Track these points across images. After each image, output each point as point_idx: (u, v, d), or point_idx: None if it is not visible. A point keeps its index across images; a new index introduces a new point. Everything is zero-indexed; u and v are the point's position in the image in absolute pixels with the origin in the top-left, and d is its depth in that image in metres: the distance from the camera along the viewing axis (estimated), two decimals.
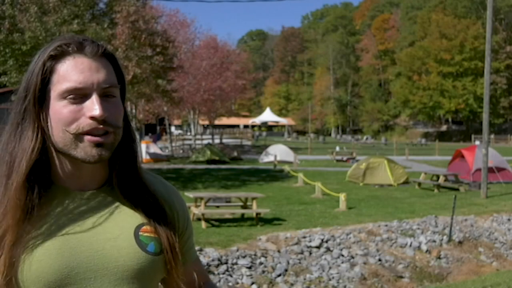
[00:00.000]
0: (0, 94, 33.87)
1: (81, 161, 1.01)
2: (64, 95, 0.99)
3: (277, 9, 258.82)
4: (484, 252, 9.15)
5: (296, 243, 8.22)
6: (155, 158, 25.82)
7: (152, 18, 17.00)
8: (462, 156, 17.69)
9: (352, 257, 8.07)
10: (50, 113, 1.01)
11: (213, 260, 7.07)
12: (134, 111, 22.01)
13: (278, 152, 26.37)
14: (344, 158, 27.96)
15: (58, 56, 1.01)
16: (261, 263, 7.39)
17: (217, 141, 42.48)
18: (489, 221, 10.61)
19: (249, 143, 50.44)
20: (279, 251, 7.88)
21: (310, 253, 8.02)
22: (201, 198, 9.87)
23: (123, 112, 1.06)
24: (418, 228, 9.50)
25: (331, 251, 8.17)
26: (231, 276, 6.93)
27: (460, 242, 9.21)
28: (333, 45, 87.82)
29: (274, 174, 20.61)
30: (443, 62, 61.06)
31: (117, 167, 1.09)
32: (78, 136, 0.99)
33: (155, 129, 44.36)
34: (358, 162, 19.06)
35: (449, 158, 20.48)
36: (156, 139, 38.14)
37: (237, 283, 6.82)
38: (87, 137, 0.99)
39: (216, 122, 45.33)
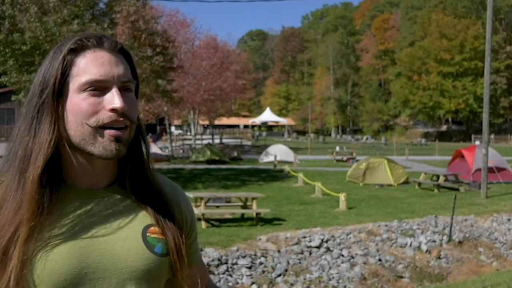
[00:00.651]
0: (0, 94, 33.92)
1: (97, 157, 1.01)
2: (84, 87, 1.00)
3: (277, 9, 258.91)
4: (484, 252, 9.15)
5: (296, 243, 8.22)
6: (155, 158, 25.81)
7: (152, 18, 16.97)
8: (462, 156, 17.69)
9: (352, 257, 8.07)
10: (68, 106, 1.01)
11: (213, 260, 7.07)
12: None
13: (278, 152, 26.37)
14: (344, 158, 27.96)
15: (77, 50, 1.02)
16: (261, 263, 7.39)
17: (217, 141, 42.48)
18: (489, 221, 10.61)
19: (249, 143, 50.42)
20: (279, 251, 7.88)
21: (310, 253, 8.02)
22: (201, 198, 9.87)
23: (137, 108, 1.07)
24: (418, 228, 9.50)
25: (331, 251, 8.17)
26: (231, 276, 6.93)
27: (460, 242, 9.21)
28: (333, 45, 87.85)
29: (274, 174, 20.61)
30: (443, 62, 61.07)
31: (128, 166, 1.09)
32: (98, 130, 1.00)
33: (155, 129, 44.33)
34: (358, 162, 19.06)
35: (449, 158, 20.49)
36: (156, 139, 38.14)
37: (237, 283, 6.82)
38: (107, 131, 1.00)
39: (216, 122, 45.33)
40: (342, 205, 11.67)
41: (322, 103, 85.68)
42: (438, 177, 16.56)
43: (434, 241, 9.03)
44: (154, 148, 27.08)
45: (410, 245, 8.74)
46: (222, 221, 10.11)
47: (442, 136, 63.87)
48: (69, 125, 1.01)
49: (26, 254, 0.95)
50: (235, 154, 29.47)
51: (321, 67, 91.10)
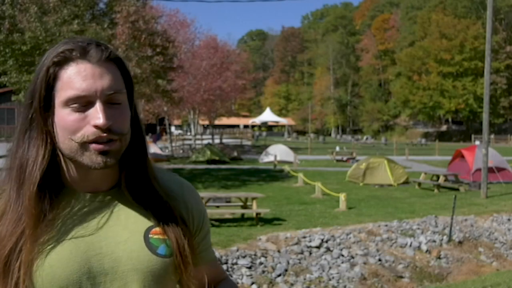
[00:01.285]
0: (0, 94, 33.93)
1: (87, 168, 1.00)
2: (67, 103, 0.98)
3: (277, 9, 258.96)
4: (484, 252, 9.15)
5: (296, 243, 8.22)
6: (155, 158, 25.80)
7: (152, 18, 16.96)
8: (462, 156, 17.68)
9: (352, 257, 8.06)
10: (56, 120, 0.99)
11: None
12: None
13: (278, 152, 26.37)
14: (344, 158, 27.96)
15: (61, 62, 0.99)
16: (261, 263, 7.39)
17: (217, 141, 42.47)
18: (489, 221, 10.61)
19: (249, 143, 50.42)
20: (279, 251, 7.88)
21: (310, 253, 8.02)
22: (201, 198, 9.85)
23: (129, 117, 1.04)
24: (418, 228, 9.50)
25: (331, 251, 8.17)
26: (231, 276, 6.93)
27: (460, 242, 9.21)
28: (333, 45, 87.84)
29: (274, 174, 20.61)
30: (443, 62, 61.06)
31: (126, 170, 1.07)
32: (84, 145, 0.98)
33: (155, 129, 44.35)
34: (358, 162, 19.06)
35: (449, 158, 20.48)
36: (156, 139, 38.16)
37: (237, 283, 6.82)
38: (92, 146, 0.98)
39: (216, 122, 45.32)
40: (342, 205, 11.67)
41: (322, 103, 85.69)
42: (438, 177, 16.56)
43: (434, 241, 9.02)
44: (154, 148, 27.09)
45: (410, 245, 8.74)
46: (222, 221, 10.11)
47: (442, 136, 63.87)
48: (58, 138, 1.00)
49: (27, 264, 0.96)
50: (235, 154, 29.47)
51: (321, 67, 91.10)
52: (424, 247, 8.74)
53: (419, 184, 16.44)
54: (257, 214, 9.94)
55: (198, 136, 42.91)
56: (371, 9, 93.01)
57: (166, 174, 1.18)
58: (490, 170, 15.51)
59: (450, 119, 70.21)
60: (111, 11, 15.98)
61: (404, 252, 8.60)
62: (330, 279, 7.37)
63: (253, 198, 10.18)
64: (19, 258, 0.96)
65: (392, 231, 9.25)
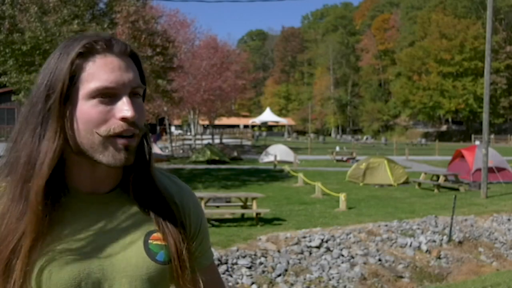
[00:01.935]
0: (0, 94, 33.93)
1: (105, 165, 0.98)
2: (93, 94, 0.95)
3: (277, 9, 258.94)
4: (484, 252, 9.15)
5: (296, 243, 8.22)
6: (155, 158, 25.48)
7: (152, 18, 16.97)
8: (462, 156, 17.68)
9: (352, 257, 8.07)
10: (77, 113, 0.96)
11: None
12: None
13: (278, 152, 26.37)
14: (344, 158, 27.97)
15: (86, 54, 0.97)
16: (261, 263, 7.39)
17: (217, 141, 42.47)
18: (489, 221, 10.61)
19: (249, 143, 50.42)
20: (279, 251, 7.88)
21: (310, 253, 8.02)
22: (201, 198, 9.86)
23: (145, 113, 1.03)
24: (418, 228, 9.50)
25: (331, 251, 8.17)
26: (231, 276, 6.93)
27: (460, 242, 9.21)
28: (333, 45, 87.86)
29: (274, 174, 20.61)
30: (443, 62, 61.08)
31: (132, 171, 1.05)
32: (108, 139, 0.96)
33: (155, 129, 44.35)
34: (358, 162, 19.06)
35: (449, 158, 20.48)
36: (156, 139, 38.15)
37: (237, 283, 6.82)
38: (119, 140, 0.96)
39: (216, 122, 45.35)
40: (342, 205, 11.67)
41: (322, 103, 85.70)
42: (438, 177, 16.56)
43: (434, 241, 9.03)
44: (154, 148, 27.09)
45: (410, 245, 8.74)
46: (222, 221, 10.11)
47: (442, 136, 63.89)
48: (77, 133, 0.96)
49: (28, 265, 0.94)
50: (235, 154, 29.47)
51: (321, 67, 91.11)
52: (424, 247, 8.74)
53: (419, 184, 16.44)
54: (257, 214, 9.94)
55: (198, 136, 42.90)
56: (371, 9, 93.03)
57: (165, 176, 1.16)
58: (490, 170, 15.51)
59: (450, 119, 70.23)
60: (111, 11, 15.99)
61: (404, 252, 8.60)
62: (330, 279, 7.37)
63: (253, 198, 10.18)
64: (20, 258, 0.94)
65: (392, 231, 9.26)
